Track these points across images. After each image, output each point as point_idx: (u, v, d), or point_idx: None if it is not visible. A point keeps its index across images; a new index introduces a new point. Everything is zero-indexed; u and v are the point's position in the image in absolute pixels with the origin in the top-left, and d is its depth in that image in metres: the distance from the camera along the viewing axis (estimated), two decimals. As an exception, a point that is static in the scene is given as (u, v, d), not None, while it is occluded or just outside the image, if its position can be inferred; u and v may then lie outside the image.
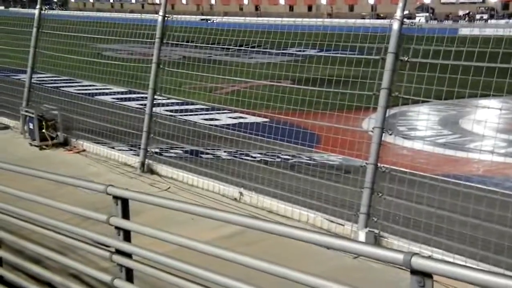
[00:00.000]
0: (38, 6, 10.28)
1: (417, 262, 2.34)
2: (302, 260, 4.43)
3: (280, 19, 8.22)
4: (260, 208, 6.49)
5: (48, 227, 4.39)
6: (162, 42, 7.96)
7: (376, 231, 5.44)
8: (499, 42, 5.34)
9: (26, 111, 9.73)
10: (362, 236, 5.44)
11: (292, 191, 6.43)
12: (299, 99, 6.85)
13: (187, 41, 8.59)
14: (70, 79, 14.36)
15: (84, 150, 9.20)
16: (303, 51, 8.71)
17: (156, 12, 8.18)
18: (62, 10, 71.85)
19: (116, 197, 3.75)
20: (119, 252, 3.80)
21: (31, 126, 9.51)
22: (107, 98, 12.78)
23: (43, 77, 13.19)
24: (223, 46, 8.14)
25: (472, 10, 64.87)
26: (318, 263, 4.68)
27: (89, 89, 13.76)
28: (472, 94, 5.40)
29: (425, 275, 2.33)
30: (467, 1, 67.44)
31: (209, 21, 31.65)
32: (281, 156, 8.80)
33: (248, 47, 7.85)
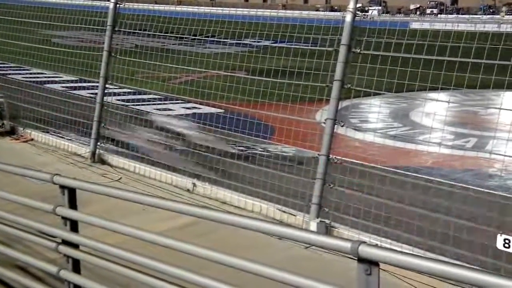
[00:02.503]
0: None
1: (364, 250, 2.37)
2: (254, 251, 4.44)
3: (235, 9, 8.18)
4: (213, 199, 6.46)
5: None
6: (114, 30, 7.78)
7: (327, 221, 5.51)
8: (447, 36, 5.48)
9: (-30, 99, 9.35)
10: (313, 226, 5.50)
11: (246, 182, 6.43)
12: (254, 90, 6.84)
13: (140, 29, 8.43)
14: (18, 67, 13.88)
15: (32, 139, 8.91)
16: (258, 41, 8.70)
17: (108, -1, 7.98)
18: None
19: (62, 187, 3.65)
20: (65, 242, 3.71)
21: (-25, 114, 9.15)
22: (57, 86, 12.41)
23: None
24: (177, 35, 8.02)
25: (423, 5, 66.32)
26: (270, 253, 4.71)
27: (39, 77, 13.33)
28: (422, 87, 5.52)
29: (372, 263, 2.37)
30: (418, -5, 68.86)
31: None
32: (236, 147, 8.78)
33: (202, 37, 7.77)
